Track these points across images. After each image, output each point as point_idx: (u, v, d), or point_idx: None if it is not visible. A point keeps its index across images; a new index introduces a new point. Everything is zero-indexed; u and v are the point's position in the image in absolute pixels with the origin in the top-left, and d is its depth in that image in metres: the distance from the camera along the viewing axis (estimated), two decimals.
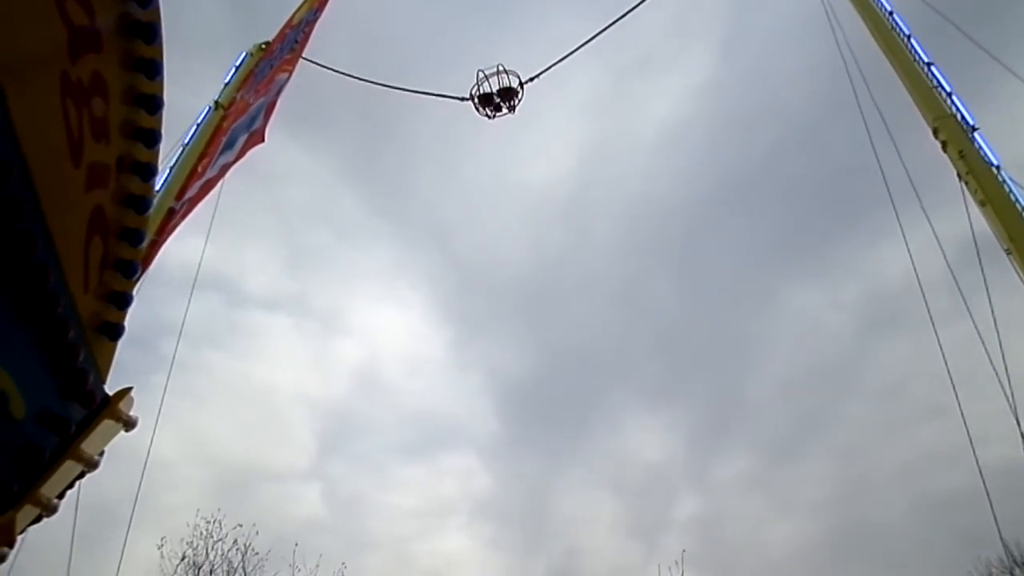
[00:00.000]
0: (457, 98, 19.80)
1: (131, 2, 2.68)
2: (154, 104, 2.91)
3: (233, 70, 14.90)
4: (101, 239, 2.80)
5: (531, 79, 19.45)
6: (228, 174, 12.50)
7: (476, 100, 19.50)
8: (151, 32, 2.78)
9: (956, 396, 10.13)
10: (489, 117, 20.01)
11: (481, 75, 19.27)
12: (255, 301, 56.37)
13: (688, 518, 44.78)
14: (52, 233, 2.41)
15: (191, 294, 14.57)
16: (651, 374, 55.44)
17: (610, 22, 19.26)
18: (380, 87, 21.12)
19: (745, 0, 44.61)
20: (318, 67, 19.14)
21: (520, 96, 19.55)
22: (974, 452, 9.70)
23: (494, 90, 19.40)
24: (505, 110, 19.79)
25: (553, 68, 19.30)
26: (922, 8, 12.51)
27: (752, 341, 53.79)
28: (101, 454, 3.06)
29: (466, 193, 58.63)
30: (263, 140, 13.90)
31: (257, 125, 13.41)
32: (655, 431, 51.84)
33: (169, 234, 10.54)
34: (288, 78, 15.01)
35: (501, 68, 19.24)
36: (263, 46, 15.46)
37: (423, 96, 21.13)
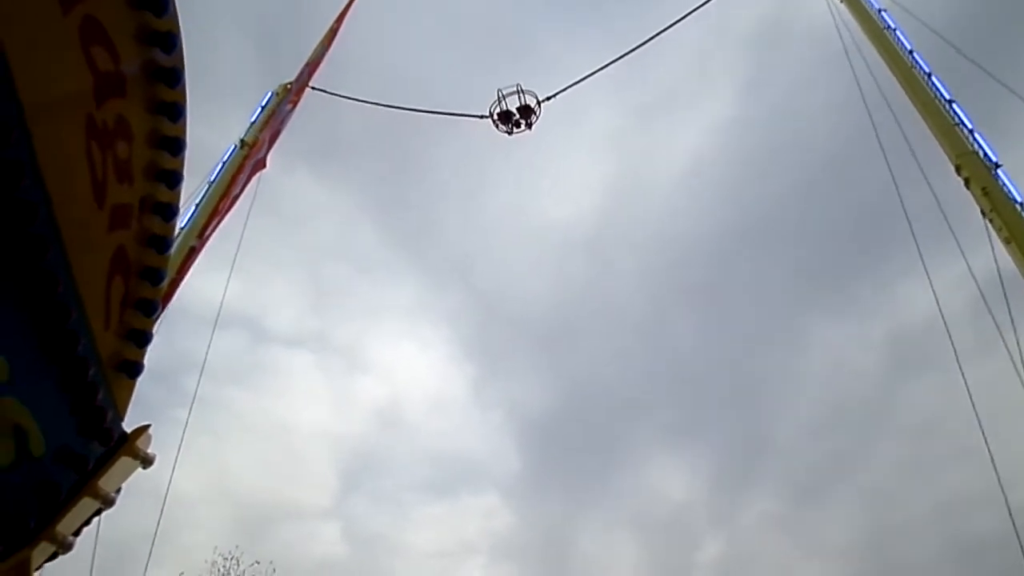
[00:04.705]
0: (477, 116, 20.57)
1: (155, 48, 2.75)
2: (177, 146, 2.97)
3: (259, 110, 15.16)
4: (123, 278, 2.85)
5: (548, 98, 20.20)
6: (236, 204, 12.83)
7: (495, 117, 20.32)
8: (175, 77, 2.85)
9: (984, 436, 9.91)
10: (508, 133, 20.80)
11: (500, 94, 20.07)
12: (278, 338, 56.57)
13: (712, 560, 43.91)
14: (74, 272, 2.45)
15: (213, 331, 14.70)
16: (674, 411, 54.76)
17: (629, 49, 19.89)
18: (401, 114, 21.81)
19: (768, 38, 44.88)
20: (342, 105, 19.64)
21: (538, 114, 20.31)
22: (1004, 493, 9.45)
23: (513, 108, 20.15)
24: (523, 127, 20.57)
25: (575, 100, 19.91)
26: (943, 45, 12.52)
27: (777, 379, 53.03)
28: (118, 491, 3.07)
29: (488, 229, 58.83)
30: (265, 166, 14.28)
31: (262, 154, 13.73)
32: (679, 470, 51.06)
33: (187, 271, 10.68)
34: (293, 108, 15.38)
35: (519, 87, 20.03)
36: (288, 86, 15.77)
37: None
